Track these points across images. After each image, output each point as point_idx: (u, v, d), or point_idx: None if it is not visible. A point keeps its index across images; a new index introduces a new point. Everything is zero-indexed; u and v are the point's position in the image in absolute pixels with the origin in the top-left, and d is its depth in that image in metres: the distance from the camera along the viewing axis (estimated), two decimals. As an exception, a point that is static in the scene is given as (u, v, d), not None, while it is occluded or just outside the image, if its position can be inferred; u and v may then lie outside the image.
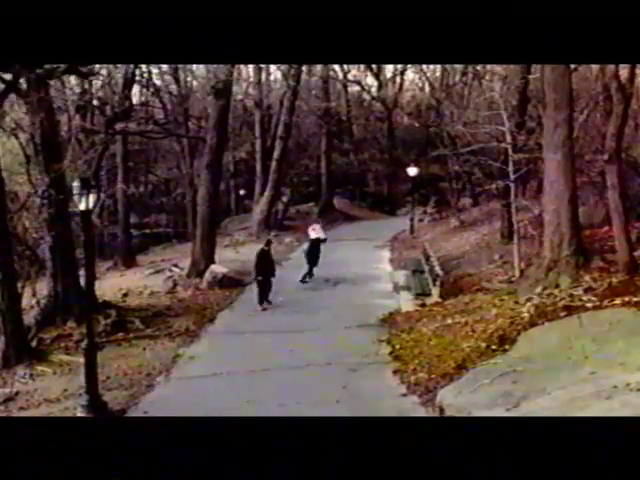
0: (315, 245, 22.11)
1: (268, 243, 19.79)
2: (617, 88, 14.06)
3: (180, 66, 32.44)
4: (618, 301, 13.02)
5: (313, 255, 21.92)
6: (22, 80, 15.04)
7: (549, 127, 15.39)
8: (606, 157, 14.31)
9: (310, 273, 21.87)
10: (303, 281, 21.58)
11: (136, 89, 27.21)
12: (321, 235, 22.51)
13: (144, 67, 22.79)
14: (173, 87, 35.45)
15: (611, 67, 14.11)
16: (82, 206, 10.85)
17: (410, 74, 50.38)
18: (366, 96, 51.90)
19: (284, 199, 39.20)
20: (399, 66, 47.86)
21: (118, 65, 22.08)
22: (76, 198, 10.67)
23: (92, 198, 10.65)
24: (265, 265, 18.92)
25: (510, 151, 17.61)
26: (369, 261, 25.26)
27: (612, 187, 14.34)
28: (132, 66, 19.93)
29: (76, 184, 10.91)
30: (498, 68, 31.70)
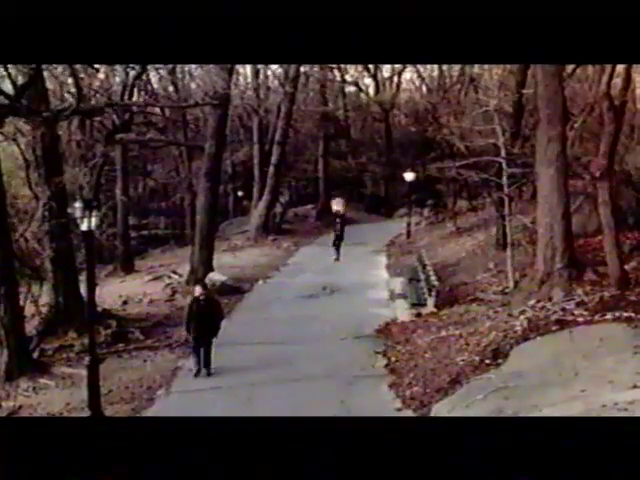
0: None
1: (204, 286, 14.96)
2: (608, 107, 14.32)
3: (178, 70, 32.62)
4: (609, 316, 13.27)
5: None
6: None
7: (542, 142, 15.63)
8: (598, 174, 14.58)
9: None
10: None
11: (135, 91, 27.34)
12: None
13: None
14: (170, 89, 35.65)
15: (602, 87, 14.34)
16: (84, 226, 11.07)
17: (408, 74, 50.70)
18: (363, 97, 52.10)
19: (282, 200, 39.42)
20: (396, 66, 48.10)
21: (116, 70, 22.31)
22: (77, 220, 10.88)
23: (94, 220, 10.87)
24: (202, 319, 13.89)
25: (504, 165, 17.85)
26: (365, 267, 25.50)
27: (604, 203, 14.60)
28: (132, 77, 20.09)
29: (78, 205, 11.10)
30: (496, 69, 31.89)
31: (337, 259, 27.62)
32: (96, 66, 18.31)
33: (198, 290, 14.30)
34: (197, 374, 13.98)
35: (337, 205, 29.49)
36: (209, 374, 13.97)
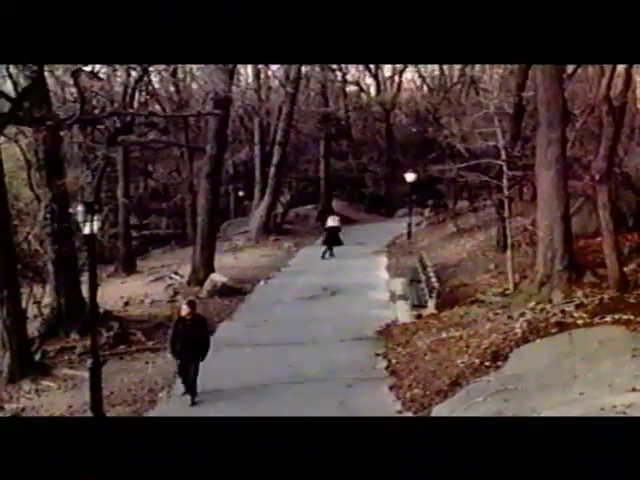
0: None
1: (191, 305, 13.41)
2: (607, 110, 14.33)
3: (179, 70, 32.68)
4: (608, 318, 13.27)
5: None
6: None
7: (542, 144, 15.66)
8: (597, 177, 14.60)
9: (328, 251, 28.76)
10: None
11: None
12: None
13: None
14: (172, 89, 35.72)
15: (602, 90, 14.34)
16: (86, 230, 11.09)
17: (409, 74, 50.79)
18: (364, 97, 52.15)
19: (283, 200, 39.47)
20: (397, 66, 48.16)
21: (117, 73, 22.38)
22: (80, 224, 10.90)
23: (96, 223, 10.88)
24: (189, 340, 12.76)
25: (505, 168, 17.87)
26: (366, 268, 25.52)
27: (603, 206, 14.62)
28: (133, 79, 20.13)
29: (80, 209, 11.11)
30: (496, 69, 31.92)
31: (324, 257, 28.47)
32: (96, 70, 18.36)
33: (185, 309, 13.07)
34: (188, 392, 12.82)
35: (333, 222, 30.15)
36: (193, 402, 12.60)
